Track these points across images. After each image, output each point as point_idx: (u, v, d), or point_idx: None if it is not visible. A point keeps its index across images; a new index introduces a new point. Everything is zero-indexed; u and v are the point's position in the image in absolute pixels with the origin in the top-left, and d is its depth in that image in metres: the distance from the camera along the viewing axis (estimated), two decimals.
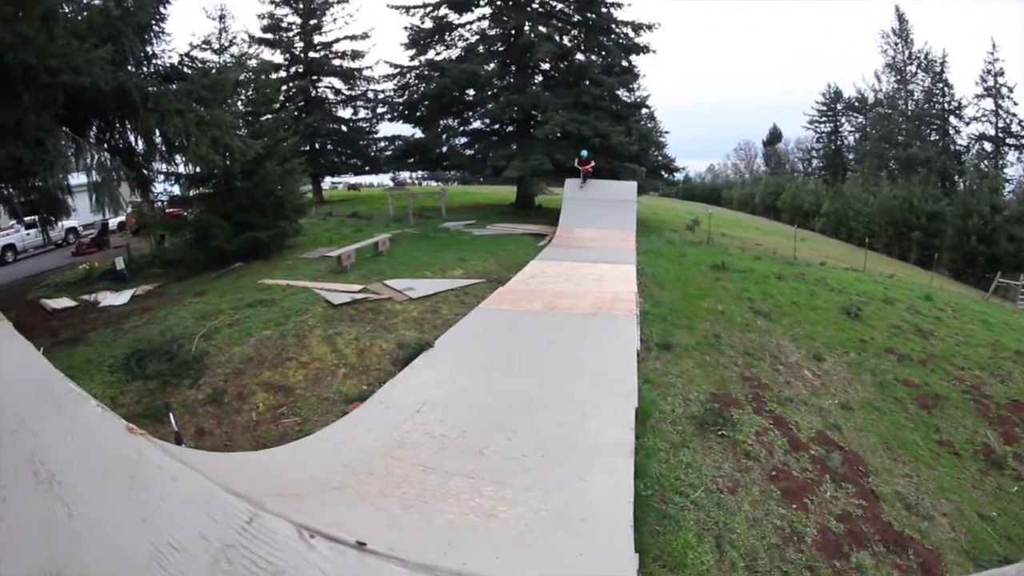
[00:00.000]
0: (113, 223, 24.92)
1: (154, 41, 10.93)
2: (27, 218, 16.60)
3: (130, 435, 2.07)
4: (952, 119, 44.29)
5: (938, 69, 44.61)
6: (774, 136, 67.33)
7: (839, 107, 57.43)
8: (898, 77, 47.43)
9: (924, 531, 5.43)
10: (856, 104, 54.41)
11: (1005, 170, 40.30)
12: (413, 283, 10.06)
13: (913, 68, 46.37)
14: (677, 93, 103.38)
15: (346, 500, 3.92)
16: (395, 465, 4.25)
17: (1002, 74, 41.08)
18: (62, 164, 9.37)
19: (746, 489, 5.13)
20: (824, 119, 58.87)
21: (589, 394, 5.65)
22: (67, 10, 8.11)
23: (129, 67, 9.99)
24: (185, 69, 11.24)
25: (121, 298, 11.97)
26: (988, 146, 42.56)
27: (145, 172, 12.09)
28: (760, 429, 6.20)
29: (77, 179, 13.02)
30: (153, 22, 10.55)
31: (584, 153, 17.53)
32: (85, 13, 8.50)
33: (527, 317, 8.27)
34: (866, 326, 10.43)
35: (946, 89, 44.42)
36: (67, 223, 23.16)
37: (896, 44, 46.92)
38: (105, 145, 11.33)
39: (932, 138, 44.90)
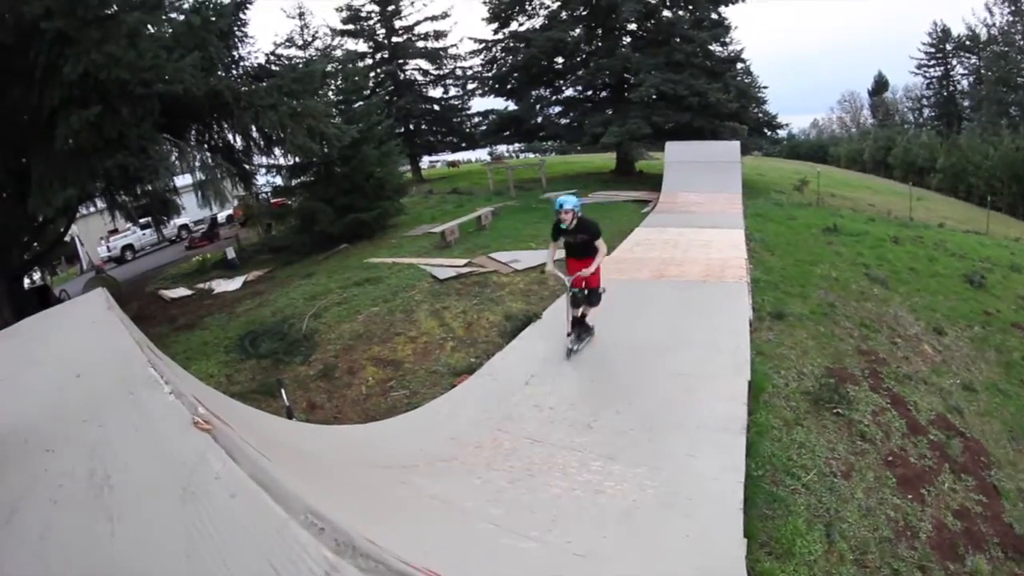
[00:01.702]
0: (222, 216, 26.80)
1: (239, 45, 11.52)
2: (141, 219, 18.17)
3: (193, 431, 1.74)
4: None
5: None
6: (880, 85, 61.30)
7: (949, 48, 51.17)
8: (1013, 8, 41.52)
9: None
10: (967, 43, 48.22)
11: None
12: (518, 255, 10.07)
13: None
14: (773, 43, 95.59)
15: (453, 473, 4.04)
16: (503, 438, 4.34)
17: None
18: (166, 168, 10.16)
19: (860, 474, 4.80)
20: (933, 63, 52.75)
21: (700, 366, 5.50)
22: (151, 28, 8.58)
23: (219, 71, 10.56)
24: (273, 67, 11.75)
25: (233, 284, 12.83)
26: None
27: (246, 167, 12.83)
28: (877, 408, 5.77)
29: (184, 179, 14.13)
30: (235, 28, 11.08)
31: (565, 203, 8.23)
32: (169, 28, 8.97)
33: (634, 286, 8.11)
34: (991, 296, 9.51)
35: None
36: (178, 220, 25.17)
37: None
38: (205, 145, 12.14)
39: None
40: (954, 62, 51.42)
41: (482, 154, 39.04)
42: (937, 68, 52.72)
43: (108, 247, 26.11)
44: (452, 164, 42.94)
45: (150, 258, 24.67)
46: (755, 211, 14.63)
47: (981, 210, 23.37)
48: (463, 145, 31.13)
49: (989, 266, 11.16)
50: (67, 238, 17.13)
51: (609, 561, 3.23)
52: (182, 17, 9.12)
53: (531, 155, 29.66)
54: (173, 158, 11.73)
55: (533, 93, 25.11)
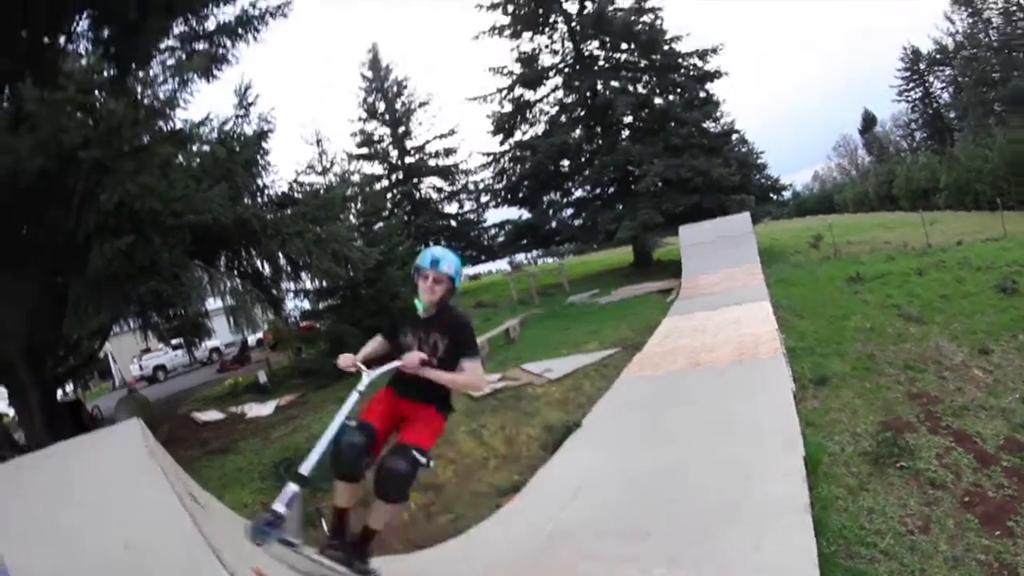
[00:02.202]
0: (252, 339, 27.40)
1: (263, 174, 12.16)
2: (173, 340, 18.66)
3: None
4: None
5: None
6: (868, 121, 63.01)
7: (922, 67, 52.92)
8: (970, 10, 43.08)
9: None
10: (938, 57, 49.86)
11: None
12: (550, 364, 9.98)
13: None
14: (760, 107, 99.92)
15: None
16: (555, 557, 4.14)
17: None
18: (198, 294, 10.49)
19: (939, 524, 4.53)
20: (911, 85, 54.40)
21: (750, 450, 5.28)
22: (180, 159, 9.12)
23: (245, 199, 11.14)
24: (296, 194, 12.37)
25: (266, 409, 12.87)
26: None
27: (275, 292, 13.22)
28: (941, 450, 5.54)
29: (215, 303, 14.61)
30: (258, 157, 11.78)
31: (440, 258, 3.59)
32: (197, 159, 9.49)
33: (671, 378, 7.97)
34: None
35: (1022, 3, 39.51)
36: (210, 343, 25.81)
37: None
38: (235, 272, 12.61)
39: None
40: (931, 79, 53.03)
41: (502, 264, 39.98)
42: (916, 89, 54.23)
43: (140, 366, 26.92)
44: (474, 277, 43.74)
45: (181, 379, 25.08)
46: (777, 277, 14.73)
47: (993, 215, 23.28)
48: (482, 257, 32.00)
49: (1017, 269, 11.08)
50: (101, 354, 17.51)
51: None
52: (207, 147, 9.72)
53: (550, 260, 30.43)
54: (204, 283, 12.17)
55: (545, 199, 26.29)
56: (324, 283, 13.75)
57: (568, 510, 4.75)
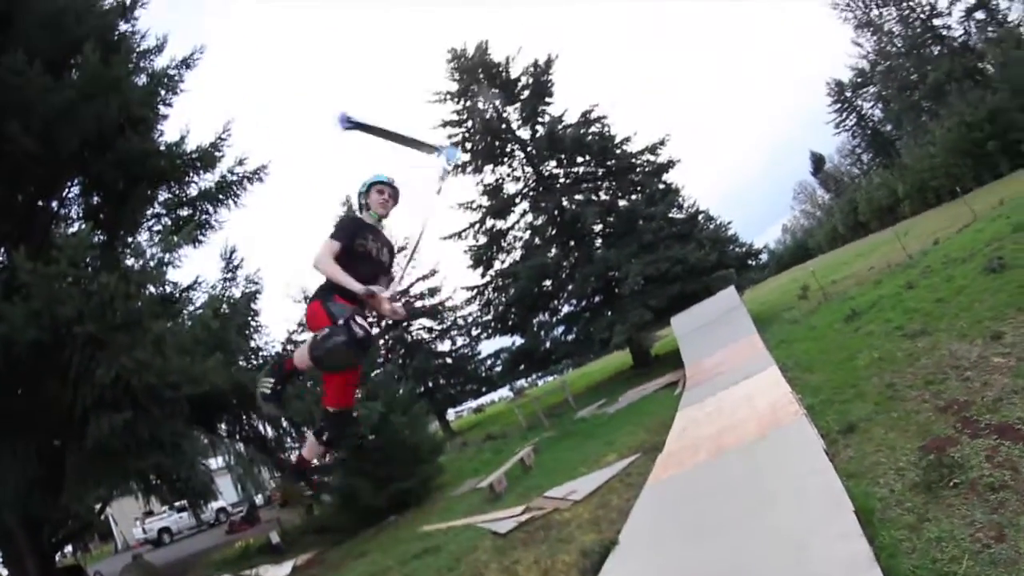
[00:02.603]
0: (259, 498, 26.42)
1: (255, 336, 12.27)
2: (177, 503, 17.90)
3: None
4: (936, 22, 42.22)
5: None
6: (817, 161, 66.84)
7: (848, 94, 56.63)
8: (872, 27, 46.82)
9: None
10: (859, 80, 53.53)
11: (1011, 19, 36.88)
12: (573, 485, 9.66)
13: (875, 10, 45.64)
14: (716, 181, 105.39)
15: None
16: None
17: None
18: (201, 461, 10.13)
19: (1013, 527, 4.19)
20: (844, 114, 57.92)
21: (798, 521, 5.03)
22: (172, 331, 9.20)
23: (241, 362, 11.12)
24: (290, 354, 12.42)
25: (283, 570, 12.24)
26: (980, 15, 39.83)
27: (280, 455, 12.91)
28: (989, 451, 5.20)
29: (218, 463, 14.16)
30: (249, 319, 11.90)
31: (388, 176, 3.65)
32: (189, 330, 9.63)
33: (699, 471, 7.69)
34: (1018, 269, 9.36)
35: (910, 3, 43.06)
36: (216, 504, 24.75)
37: (848, 1, 46.69)
38: (237, 436, 12.36)
39: (935, 53, 42.46)
40: (859, 102, 56.56)
41: (504, 392, 39.84)
42: (851, 116, 57.64)
43: (144, 529, 25.43)
44: (478, 410, 43.35)
45: (188, 542, 23.82)
46: (777, 340, 14.78)
47: (958, 203, 23.90)
48: (483, 389, 32.55)
49: (998, 245, 11.20)
50: (101, 517, 16.67)
51: None
52: (199, 315, 9.76)
53: (551, 378, 30.62)
54: (206, 449, 11.80)
55: (534, 321, 26.81)
56: None
57: None
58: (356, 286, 3.06)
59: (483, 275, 27.29)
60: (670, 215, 24.65)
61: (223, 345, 9.66)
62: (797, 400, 8.48)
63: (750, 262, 26.10)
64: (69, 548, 16.90)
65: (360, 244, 3.36)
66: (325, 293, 3.24)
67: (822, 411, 7.90)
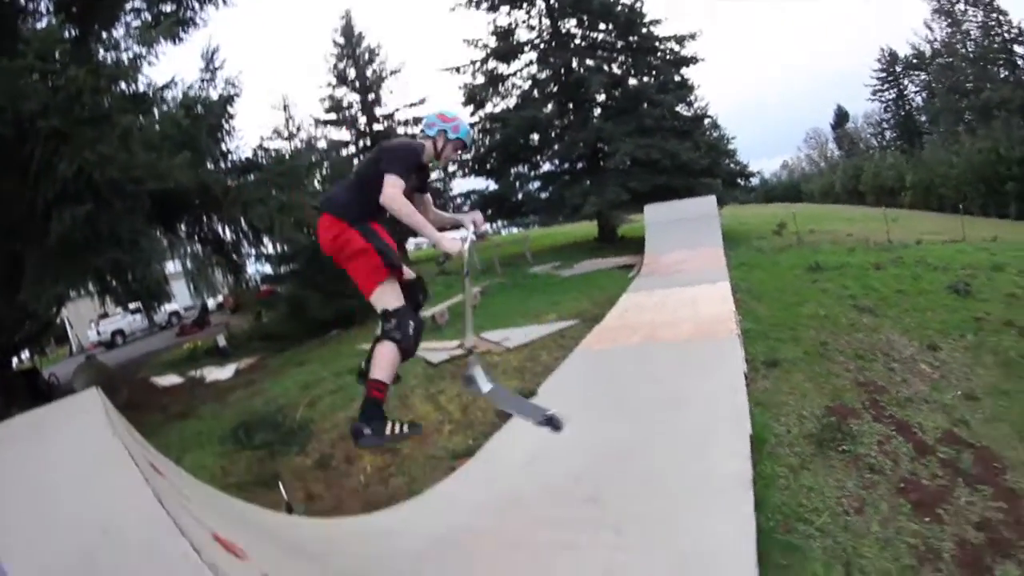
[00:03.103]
0: (212, 303, 26.89)
1: (227, 139, 11.88)
2: (131, 305, 18.31)
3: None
4: (1017, 48, 40.30)
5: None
6: (841, 117, 64.25)
7: (898, 69, 54.05)
8: (949, 20, 44.27)
9: None
10: (915, 62, 51.02)
11: None
12: (509, 332, 10.11)
13: (962, 6, 42.96)
14: (736, 92, 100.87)
15: (461, 562, 3.93)
16: (506, 522, 4.23)
17: None
18: (157, 260, 10.20)
19: (873, 507, 4.75)
20: (886, 86, 55.66)
21: (699, 426, 5.43)
22: (141, 126, 8.86)
23: (208, 165, 10.85)
24: (260, 160, 12.08)
25: (225, 373, 12.79)
26: None
27: (236, 258, 13.00)
28: (882, 438, 5.75)
29: (174, 267, 14.30)
30: (223, 122, 11.46)
31: (471, 139, 4.00)
32: (159, 126, 9.27)
33: (627, 352, 8.07)
34: (978, 302, 9.63)
35: (1002, 18, 40.70)
36: (169, 307, 25.24)
37: None
38: (196, 237, 12.34)
39: (1002, 75, 40.97)
40: (906, 82, 54.39)
41: (466, 234, 39.29)
42: (891, 91, 55.53)
43: (98, 331, 26.09)
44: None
45: (140, 344, 24.60)
46: (738, 261, 14.98)
47: (955, 218, 23.98)
48: (447, 226, 31.81)
49: (972, 272, 11.37)
50: (57, 320, 17.14)
51: None
52: (169, 108, 9.38)
53: (515, 230, 30.37)
54: (164, 248, 11.87)
55: (512, 171, 26.20)
56: (286, 248, 13.55)
57: (521, 476, 4.83)
58: (440, 239, 3.09)
59: (472, 114, 26.29)
60: (677, 108, 24.19)
61: (192, 144, 9.34)
62: (737, 320, 8.87)
63: (740, 181, 26.20)
64: (26, 353, 17.08)
65: (410, 179, 3.18)
66: (359, 217, 3.04)
67: (755, 339, 8.35)
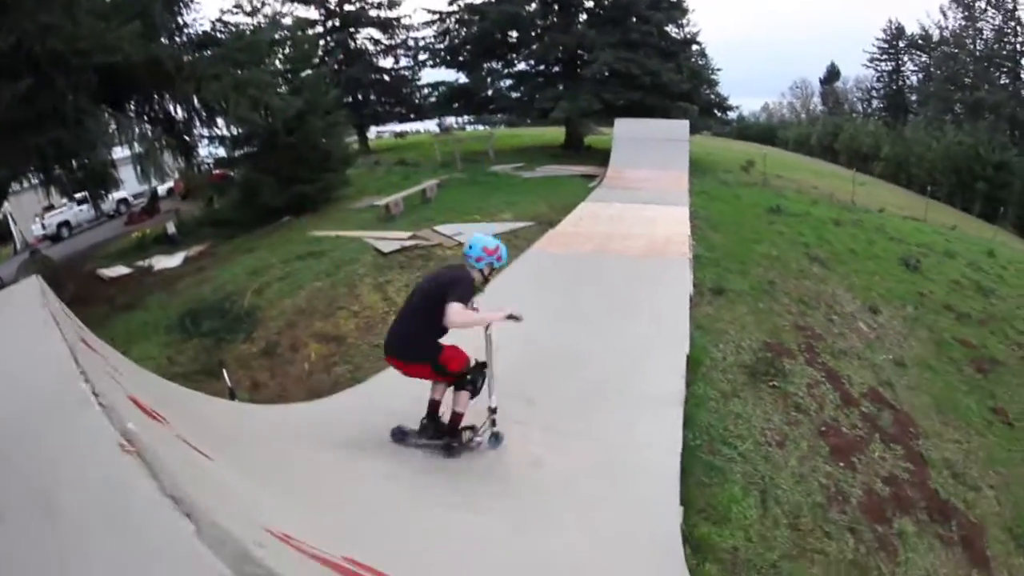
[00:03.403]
0: (162, 189, 25.68)
1: (183, 11, 10.97)
2: (78, 194, 17.29)
3: (119, 452, 1.66)
4: None
5: (1010, 6, 40.63)
6: (832, 74, 63.36)
7: (901, 44, 53.37)
8: (966, 14, 43.82)
9: (969, 502, 5.21)
10: (920, 42, 50.43)
11: None
12: (463, 228, 9.99)
13: (983, 4, 42.55)
14: (730, 27, 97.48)
15: (397, 449, 4.00)
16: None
17: None
18: (104, 141, 9.60)
19: (794, 443, 5.02)
20: (885, 57, 54.94)
21: (641, 339, 5.57)
22: None
23: (162, 39, 10.06)
24: (218, 34, 11.26)
25: (174, 261, 12.42)
26: None
27: (187, 139, 12.33)
28: (812, 381, 6.02)
29: (122, 152, 13.48)
30: None
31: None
32: None
33: (579, 260, 8.17)
34: (925, 279, 9.99)
35: (1019, 28, 40.58)
36: (117, 195, 23.93)
37: None
38: (145, 117, 11.59)
39: (1002, 81, 41.49)
40: (905, 58, 53.82)
41: (431, 125, 38.47)
42: (888, 63, 54.98)
43: (43, 225, 24.65)
44: (400, 135, 41.94)
45: (88, 235, 23.46)
46: (701, 189, 14.94)
47: (921, 198, 24.46)
48: (412, 116, 30.65)
49: (925, 251, 11.71)
50: None
51: (548, 532, 3.26)
52: None
53: (480, 127, 29.44)
54: (111, 131, 11.16)
55: (485, 66, 24.84)
56: (240, 130, 12.93)
57: None
58: (494, 316, 3.91)
59: (451, 3, 24.64)
60: (666, 28, 23.09)
61: (145, 14, 8.61)
62: (690, 245, 9.03)
63: (717, 112, 25.80)
64: None
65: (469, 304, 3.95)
66: (433, 351, 3.86)
67: (705, 266, 8.50)
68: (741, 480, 4.38)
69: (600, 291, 6.96)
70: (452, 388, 4.02)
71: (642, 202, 12.09)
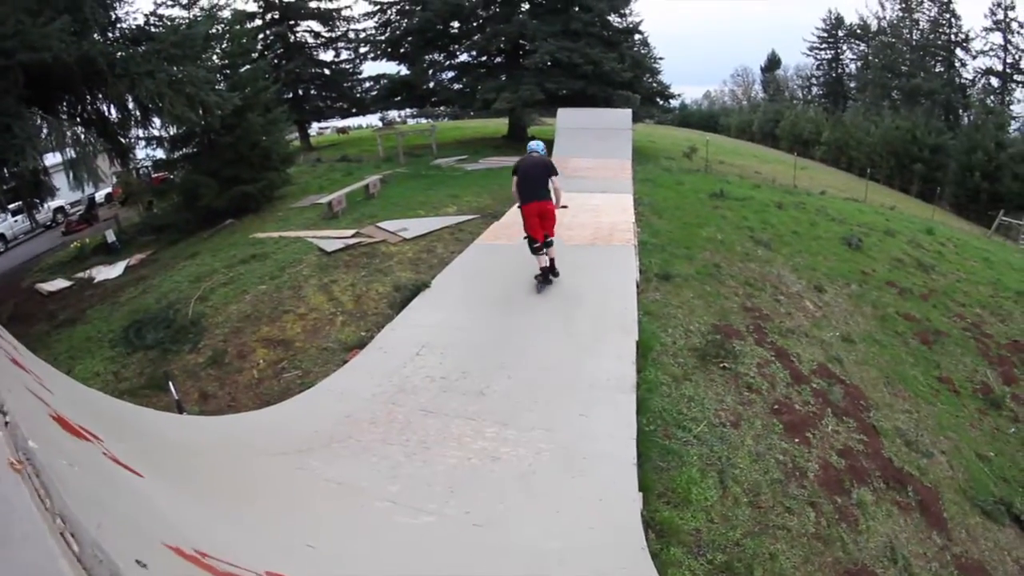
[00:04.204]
0: (100, 196, 24.58)
1: (117, 5, 10.43)
2: (11, 205, 16.36)
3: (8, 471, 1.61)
4: (959, 51, 42.75)
5: None
6: (773, 62, 65.08)
7: (840, 34, 55.26)
8: (903, 5, 45.71)
9: (923, 468, 5.44)
10: (858, 31, 52.33)
11: (1011, 107, 38.68)
12: (406, 223, 9.89)
13: None
14: (672, 17, 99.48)
15: (350, 452, 3.92)
16: (396, 411, 4.23)
17: (1012, 8, 39.11)
18: (33, 146, 9.05)
19: (749, 423, 5.11)
20: (825, 46, 56.84)
21: (589, 328, 5.59)
22: None
23: (93, 35, 9.56)
24: (152, 29, 10.76)
25: (115, 270, 11.88)
26: (995, 81, 41.07)
27: (122, 140, 11.77)
28: (762, 361, 6.15)
29: (55, 158, 12.76)
30: None
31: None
32: None
33: (524, 251, 8.07)
34: (867, 258, 10.35)
35: (953, 20, 42.68)
36: (53, 203, 22.80)
37: None
38: (78, 119, 10.99)
39: (937, 70, 43.46)
40: (844, 47, 55.78)
41: (373, 120, 38.07)
42: (828, 51, 56.93)
43: None
44: (342, 131, 41.15)
45: (24, 247, 22.24)
46: (644, 176, 15.15)
47: (861, 180, 25.28)
48: (353, 111, 30.14)
49: (866, 231, 12.08)
50: None
51: (507, 527, 3.24)
52: None
53: (423, 120, 29.15)
54: (42, 135, 10.54)
55: (427, 58, 24.75)
56: (178, 130, 12.43)
57: (411, 367, 4.84)
58: (561, 193, 6.92)
59: None
60: (609, 17, 23.44)
61: (75, 8, 8.14)
62: (636, 232, 9.12)
63: (659, 100, 26.14)
64: None
65: None
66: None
67: (651, 252, 8.62)
68: (698, 462, 4.43)
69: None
70: (549, 248, 6.67)
71: (587, 191, 12.14)
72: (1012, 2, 39.15)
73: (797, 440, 5.06)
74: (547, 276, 6.73)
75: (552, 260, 6.82)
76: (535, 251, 6.68)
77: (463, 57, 25.10)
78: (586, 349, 5.06)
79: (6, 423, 1.84)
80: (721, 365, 5.79)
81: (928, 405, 6.64)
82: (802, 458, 4.87)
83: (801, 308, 7.87)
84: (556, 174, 6.76)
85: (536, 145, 7.13)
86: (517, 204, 6.92)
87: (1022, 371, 7.89)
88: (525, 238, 6.77)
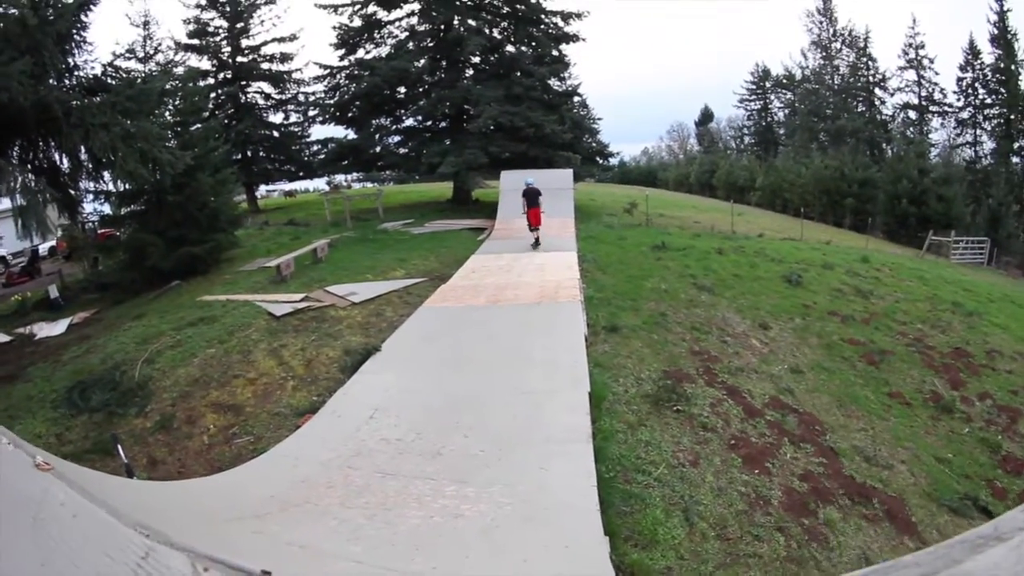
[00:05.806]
0: (44, 249, 23.56)
1: (76, 51, 10.30)
2: None
3: (36, 472, 1.80)
4: (877, 91, 46.92)
5: (862, 44, 47.19)
6: (706, 116, 68.94)
7: (768, 85, 59.36)
8: (824, 54, 49.82)
9: (885, 480, 5.68)
10: (784, 81, 56.34)
11: (929, 135, 42.44)
12: (355, 287, 9.91)
13: (838, 44, 48.94)
14: (610, 80, 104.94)
15: (308, 516, 3.84)
16: (353, 475, 4.18)
17: (923, 47, 43.66)
18: None
19: (707, 460, 5.25)
20: (754, 97, 60.83)
21: (541, 383, 5.69)
22: None
23: (50, 80, 9.41)
24: (109, 80, 10.64)
25: (58, 328, 11.34)
26: (912, 114, 45.02)
27: (72, 192, 11.41)
28: (714, 400, 6.36)
29: (1, 204, 12.23)
30: (74, 31, 9.93)
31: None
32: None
33: (472, 312, 8.29)
34: (808, 292, 10.85)
35: (870, 63, 46.96)
36: None
37: (821, 22, 49.54)
38: (29, 166, 10.65)
39: (859, 110, 47.40)
40: (772, 97, 59.82)
41: (320, 183, 38.33)
42: (757, 101, 60.92)
43: None
44: (289, 194, 41.33)
45: None
46: (587, 234, 15.70)
47: (796, 220, 26.62)
48: (301, 174, 30.41)
49: (805, 267, 12.72)
50: None
51: None
52: (14, 11, 7.92)
53: (369, 184, 29.55)
54: None
55: (374, 122, 25.23)
56: (128, 186, 12.18)
57: (365, 430, 4.81)
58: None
59: (342, 58, 25.15)
60: (549, 82, 24.32)
61: (36, 50, 8.03)
62: (581, 288, 9.38)
63: (599, 159, 27.22)
64: None
65: None
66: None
67: (598, 306, 8.87)
68: (662, 503, 4.53)
69: (496, 341, 7.11)
70: (536, 232, 12.90)
71: (531, 251, 12.69)
72: (922, 41, 43.58)
73: (757, 471, 5.23)
74: (536, 245, 13.11)
75: (538, 238, 13.29)
76: (532, 231, 13.26)
77: (409, 121, 25.65)
78: (539, 404, 5.15)
79: (10, 443, 1.90)
80: (675, 408, 5.97)
81: (882, 420, 6.96)
82: (764, 487, 5.03)
83: (748, 347, 8.20)
84: (540, 194, 13.17)
85: (531, 180, 13.59)
86: (522, 211, 13.29)
87: (968, 375, 8.42)
88: (527, 225, 13.36)
